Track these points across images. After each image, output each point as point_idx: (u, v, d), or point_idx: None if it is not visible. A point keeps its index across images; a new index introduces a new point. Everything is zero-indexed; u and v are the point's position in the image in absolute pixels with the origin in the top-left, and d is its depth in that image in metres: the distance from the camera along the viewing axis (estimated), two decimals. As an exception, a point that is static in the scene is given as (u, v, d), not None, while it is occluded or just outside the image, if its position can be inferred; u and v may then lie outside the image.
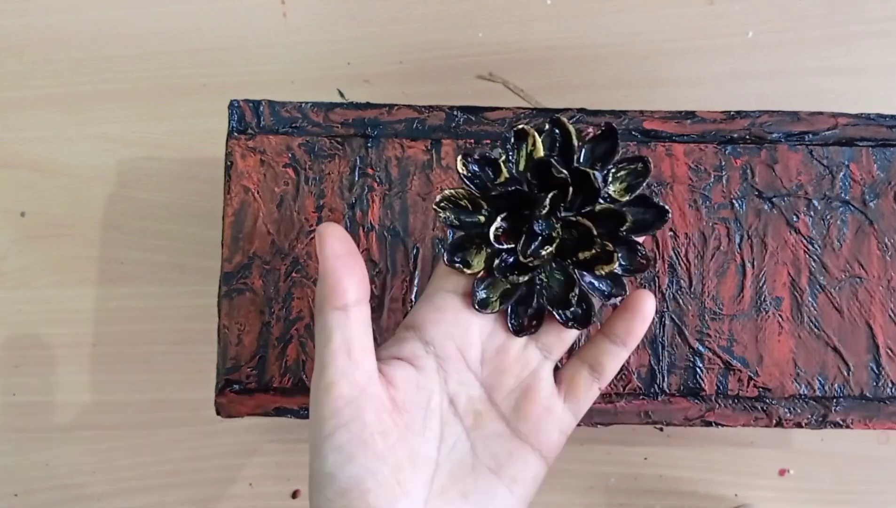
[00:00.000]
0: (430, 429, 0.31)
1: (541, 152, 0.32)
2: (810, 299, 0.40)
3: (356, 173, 0.41)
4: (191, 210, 0.50)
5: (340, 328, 0.30)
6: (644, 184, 0.32)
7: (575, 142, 0.32)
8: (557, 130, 0.32)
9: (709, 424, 0.39)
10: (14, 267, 0.50)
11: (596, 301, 0.32)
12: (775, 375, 0.39)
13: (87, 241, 0.50)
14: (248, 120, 0.41)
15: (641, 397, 0.39)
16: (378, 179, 0.41)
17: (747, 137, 0.41)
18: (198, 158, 0.51)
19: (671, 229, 0.40)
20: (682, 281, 0.40)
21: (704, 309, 0.40)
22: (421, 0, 0.52)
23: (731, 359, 0.40)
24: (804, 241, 0.40)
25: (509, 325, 0.32)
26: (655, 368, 0.39)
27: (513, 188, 0.31)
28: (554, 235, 0.31)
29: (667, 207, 0.31)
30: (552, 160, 0.31)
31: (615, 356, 0.32)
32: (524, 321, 0.32)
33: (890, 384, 0.39)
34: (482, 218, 0.32)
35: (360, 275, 0.30)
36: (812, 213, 0.40)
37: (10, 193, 0.51)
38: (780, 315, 0.40)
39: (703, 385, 0.39)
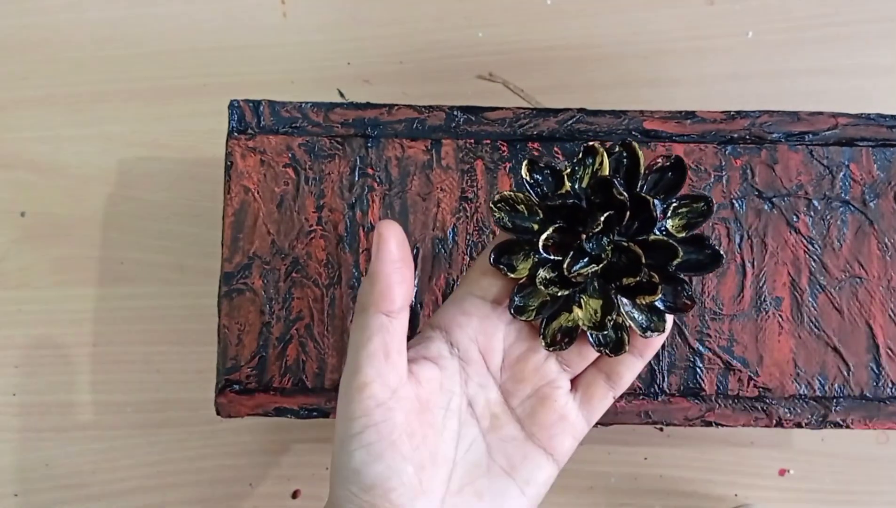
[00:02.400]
0: (448, 429, 0.31)
1: (606, 172, 0.31)
2: (810, 299, 0.40)
3: (356, 173, 0.41)
4: (191, 210, 0.50)
5: (382, 331, 0.30)
6: (703, 224, 0.31)
7: (642, 168, 0.31)
8: (626, 154, 0.31)
9: (709, 424, 0.39)
10: (14, 267, 0.50)
11: (633, 332, 0.32)
12: (775, 375, 0.39)
13: (87, 241, 0.50)
14: (248, 120, 0.41)
15: (641, 397, 0.39)
16: (378, 179, 0.41)
17: (747, 137, 0.41)
18: (198, 158, 0.51)
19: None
20: (682, 281, 0.40)
21: (704, 309, 0.40)
22: (421, 0, 0.52)
23: (731, 359, 0.40)
24: (804, 241, 0.40)
25: (541, 338, 0.32)
26: (655, 368, 0.39)
27: (571, 201, 0.31)
28: (602, 256, 0.31)
29: (722, 252, 0.31)
30: (615, 180, 0.30)
31: (632, 367, 0.33)
32: (557, 337, 0.32)
33: (890, 384, 0.39)
34: (535, 226, 0.32)
35: (410, 282, 0.31)
36: (812, 213, 0.40)
37: (10, 193, 0.51)
38: (780, 315, 0.40)
39: (703, 385, 0.39)
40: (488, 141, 0.41)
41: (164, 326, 0.49)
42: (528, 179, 0.32)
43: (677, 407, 0.39)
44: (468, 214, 0.41)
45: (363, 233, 0.40)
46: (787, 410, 0.39)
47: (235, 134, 0.41)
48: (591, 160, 0.31)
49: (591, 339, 0.32)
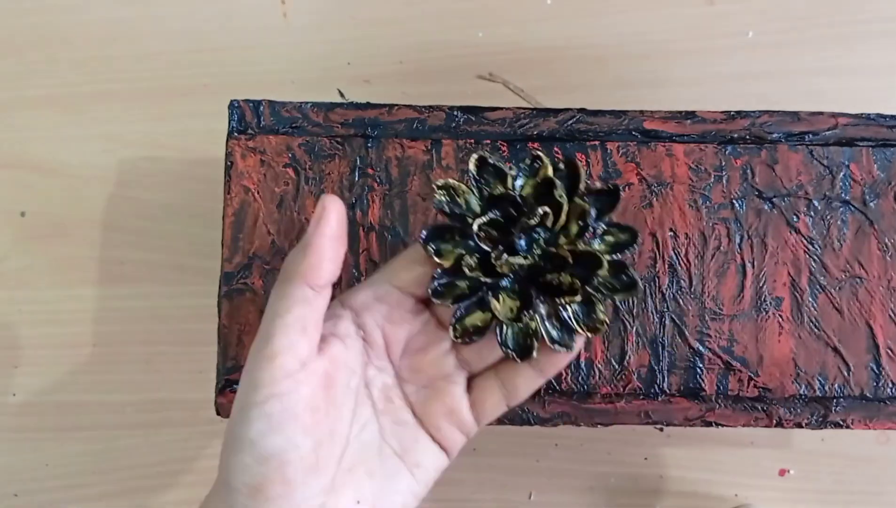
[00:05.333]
0: (345, 407, 0.31)
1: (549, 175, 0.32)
2: (810, 299, 0.40)
3: (356, 173, 0.41)
4: (191, 210, 0.50)
5: (304, 304, 0.30)
6: (626, 252, 0.33)
7: (581, 184, 0.32)
8: (567, 170, 0.33)
9: (709, 424, 0.39)
10: (14, 267, 0.50)
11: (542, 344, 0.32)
12: (775, 375, 0.39)
13: (87, 241, 0.50)
14: (248, 120, 0.41)
15: (641, 397, 0.39)
16: (378, 179, 0.41)
17: (747, 137, 0.41)
18: (198, 158, 0.51)
19: (671, 229, 0.40)
20: (682, 281, 0.40)
21: (704, 309, 0.40)
22: (421, 0, 0.52)
23: (732, 359, 0.40)
24: (804, 241, 0.40)
25: (451, 329, 0.32)
26: (655, 368, 0.39)
27: (512, 197, 0.32)
28: (531, 253, 0.32)
29: (639, 281, 0.32)
30: (556, 182, 0.31)
31: (531, 382, 0.33)
32: (469, 330, 0.33)
33: (890, 384, 0.39)
34: (471, 219, 0.32)
35: (341, 261, 0.31)
36: (812, 213, 0.40)
37: (10, 193, 0.51)
38: (780, 315, 0.40)
39: (703, 386, 0.39)
40: (488, 141, 0.41)
41: (164, 326, 0.49)
42: (474, 173, 0.32)
43: (677, 407, 0.39)
44: (468, 214, 0.41)
45: (363, 233, 0.40)
46: (787, 410, 0.39)
47: (235, 134, 0.41)
48: (536, 166, 0.33)
49: (499, 338, 0.32)
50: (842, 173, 0.41)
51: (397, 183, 0.41)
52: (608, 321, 0.32)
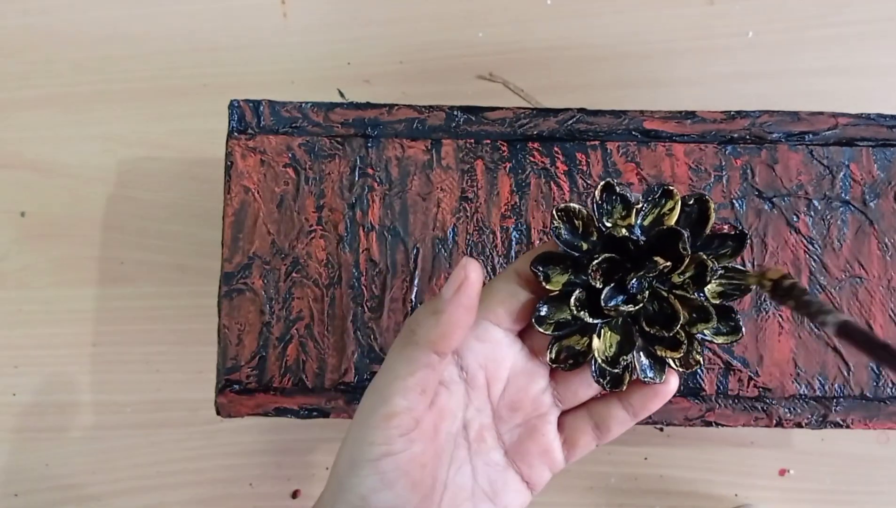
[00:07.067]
0: (446, 453, 0.31)
1: (673, 220, 0.31)
2: (810, 299, 0.40)
3: (356, 173, 0.41)
4: (191, 210, 0.50)
5: (428, 369, 0.29)
6: (738, 299, 0.31)
7: (708, 228, 0.31)
8: (698, 208, 0.31)
9: (709, 424, 0.39)
10: (14, 267, 0.50)
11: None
12: (775, 375, 0.39)
13: (87, 241, 0.50)
14: (248, 120, 0.41)
15: (641, 397, 0.39)
16: (378, 179, 0.41)
17: (747, 137, 0.41)
18: (198, 158, 0.51)
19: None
20: (682, 281, 0.40)
21: (704, 309, 0.40)
22: (421, 0, 0.52)
23: (732, 359, 0.40)
24: (804, 241, 0.40)
25: (547, 352, 0.32)
26: (655, 368, 0.39)
27: (636, 238, 0.31)
28: (639, 297, 0.31)
29: (743, 327, 0.31)
30: (685, 235, 0.30)
31: (622, 423, 0.33)
32: (562, 355, 0.32)
33: (890, 384, 0.39)
34: (585, 245, 0.31)
35: (470, 326, 0.30)
36: (812, 213, 0.40)
37: (10, 193, 0.51)
38: (780, 315, 0.40)
39: (703, 385, 0.39)
40: (488, 141, 0.41)
41: (164, 326, 0.49)
42: (598, 200, 0.31)
43: (677, 407, 0.39)
44: (468, 214, 0.41)
45: (363, 233, 0.40)
46: (787, 410, 0.39)
47: (235, 134, 0.41)
48: (664, 202, 0.31)
49: (592, 370, 0.32)
50: (842, 173, 0.41)
51: (397, 183, 0.41)
52: (703, 362, 0.31)
